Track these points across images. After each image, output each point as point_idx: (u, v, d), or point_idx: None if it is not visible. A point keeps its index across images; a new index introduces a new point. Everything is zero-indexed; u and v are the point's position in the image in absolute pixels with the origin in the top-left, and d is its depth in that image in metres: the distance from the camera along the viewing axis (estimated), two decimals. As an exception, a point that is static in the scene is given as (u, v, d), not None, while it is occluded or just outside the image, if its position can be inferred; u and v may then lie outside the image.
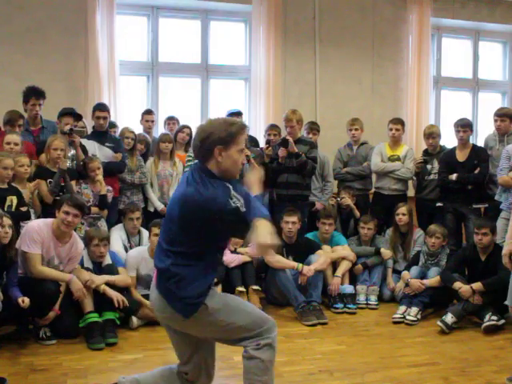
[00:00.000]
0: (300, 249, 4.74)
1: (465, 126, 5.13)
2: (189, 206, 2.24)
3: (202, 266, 2.30)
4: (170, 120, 5.82)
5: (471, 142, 5.41)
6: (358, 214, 5.31)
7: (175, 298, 2.29)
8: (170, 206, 2.40)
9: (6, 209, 3.90)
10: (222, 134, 2.26)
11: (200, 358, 2.46)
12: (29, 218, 4.08)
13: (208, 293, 2.32)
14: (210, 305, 2.31)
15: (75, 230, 4.05)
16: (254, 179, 2.50)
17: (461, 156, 5.15)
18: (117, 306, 3.89)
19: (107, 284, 3.96)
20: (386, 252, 5.01)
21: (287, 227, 4.69)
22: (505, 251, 3.26)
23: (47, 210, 4.24)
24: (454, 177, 5.05)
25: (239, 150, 2.32)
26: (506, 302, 3.21)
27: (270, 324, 2.38)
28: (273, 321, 2.42)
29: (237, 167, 2.37)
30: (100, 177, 4.57)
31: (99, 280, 3.94)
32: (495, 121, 5.17)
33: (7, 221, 3.57)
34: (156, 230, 4.26)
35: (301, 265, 4.53)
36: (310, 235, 5.01)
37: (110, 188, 4.72)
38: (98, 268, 4.13)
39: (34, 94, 4.73)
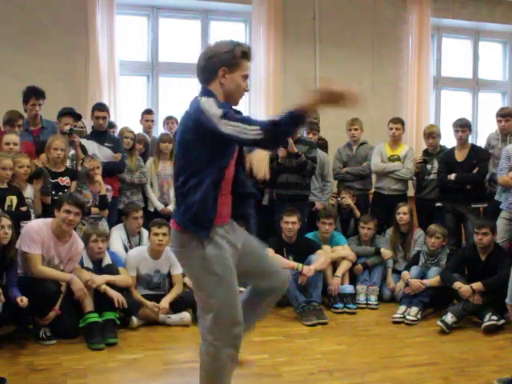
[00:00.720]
0: (300, 249, 4.73)
1: (463, 126, 5.13)
2: (189, 120, 2.18)
3: (208, 187, 2.17)
4: (169, 119, 5.83)
5: (471, 141, 5.42)
6: (358, 213, 5.31)
7: (184, 213, 2.21)
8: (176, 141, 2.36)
9: (6, 209, 3.90)
10: (229, 56, 2.23)
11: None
12: (29, 218, 4.08)
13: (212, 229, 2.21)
14: (211, 259, 2.21)
15: (75, 230, 4.05)
16: (259, 160, 2.41)
17: (460, 156, 5.15)
18: (117, 305, 3.89)
19: (108, 284, 3.96)
20: (386, 252, 5.01)
21: (287, 227, 4.68)
22: None
23: (47, 210, 4.23)
24: (452, 177, 5.05)
25: (244, 76, 2.27)
26: (506, 300, 3.22)
27: (234, 333, 2.24)
28: (239, 333, 2.27)
29: (240, 92, 2.29)
30: (99, 177, 4.57)
31: (100, 280, 3.94)
32: (499, 121, 5.16)
33: (6, 221, 3.57)
34: (156, 230, 4.27)
35: (301, 265, 4.53)
36: (310, 235, 5.01)
37: (109, 187, 4.72)
38: (99, 268, 4.13)
39: (33, 94, 4.73)
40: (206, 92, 2.26)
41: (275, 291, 2.54)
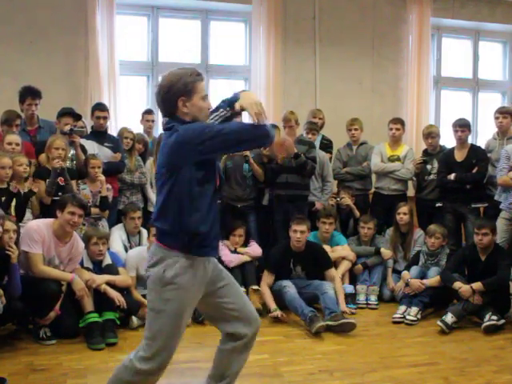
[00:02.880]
0: (308, 259, 4.56)
1: (463, 126, 5.14)
2: (172, 147, 2.21)
3: (195, 207, 2.23)
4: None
5: (470, 141, 5.42)
6: (357, 213, 5.31)
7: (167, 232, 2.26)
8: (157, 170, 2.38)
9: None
10: (181, 86, 2.25)
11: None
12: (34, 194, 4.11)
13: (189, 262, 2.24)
14: (179, 286, 2.22)
15: (75, 230, 4.04)
16: (276, 142, 2.46)
17: (459, 156, 5.15)
18: (118, 304, 3.89)
19: (108, 284, 3.96)
20: (386, 252, 5.01)
21: (296, 236, 4.49)
22: None
23: (45, 211, 4.23)
24: (452, 176, 5.05)
25: (202, 97, 2.30)
26: None
27: (157, 364, 2.26)
28: (160, 365, 2.29)
29: (204, 113, 2.33)
30: (102, 177, 4.57)
31: (100, 279, 3.94)
32: (496, 118, 5.19)
33: (12, 225, 3.55)
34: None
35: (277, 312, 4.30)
36: (310, 236, 5.00)
37: (109, 186, 4.71)
38: (99, 268, 4.13)
39: (29, 94, 4.73)
40: (175, 120, 2.29)
41: (250, 335, 2.51)
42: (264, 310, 4.38)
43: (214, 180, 2.30)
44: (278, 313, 4.25)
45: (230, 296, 2.47)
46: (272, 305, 4.34)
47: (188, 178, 2.20)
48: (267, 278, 4.52)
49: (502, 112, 5.18)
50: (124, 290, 4.10)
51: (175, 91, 2.25)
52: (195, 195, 2.22)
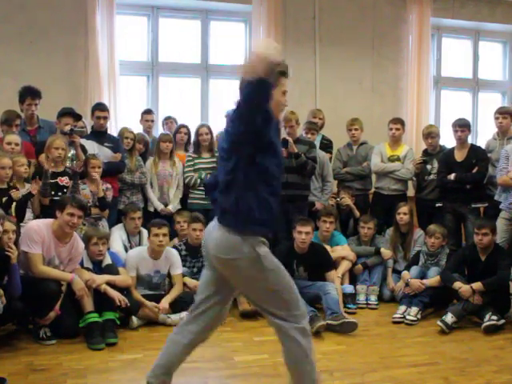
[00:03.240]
0: (311, 260, 4.54)
1: (462, 126, 5.14)
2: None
3: (262, 191, 2.33)
4: (168, 119, 5.83)
5: (470, 141, 5.42)
6: (357, 213, 5.31)
7: (240, 219, 2.33)
8: (220, 146, 2.49)
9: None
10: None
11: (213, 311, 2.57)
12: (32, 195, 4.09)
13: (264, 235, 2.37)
14: (264, 259, 2.35)
15: (75, 231, 4.04)
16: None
17: (459, 156, 5.15)
18: (118, 304, 3.89)
19: (108, 284, 3.96)
20: (386, 252, 5.01)
21: (300, 237, 4.44)
22: None
23: (46, 211, 4.22)
24: (452, 176, 5.05)
25: (283, 92, 2.40)
26: None
27: (301, 311, 2.44)
28: (305, 310, 2.49)
29: (279, 108, 2.43)
30: (97, 176, 4.56)
31: (100, 279, 3.94)
32: (496, 118, 5.19)
33: (11, 226, 3.55)
34: (156, 231, 4.25)
35: None
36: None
37: (108, 186, 4.71)
38: (99, 268, 4.13)
39: (29, 94, 4.73)
40: None
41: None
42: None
43: None
44: None
45: None
46: None
47: None
48: None
49: (502, 112, 5.18)
50: (124, 290, 4.09)
51: None
52: None
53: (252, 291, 2.49)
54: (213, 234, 2.44)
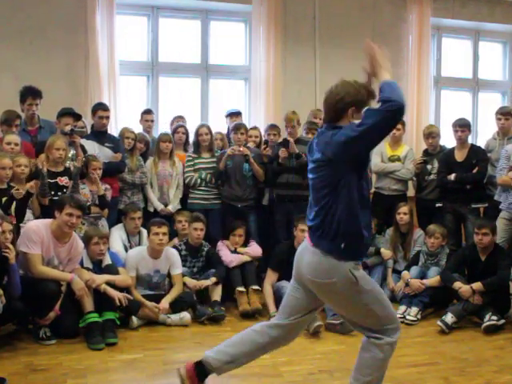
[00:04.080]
0: None
1: (463, 126, 5.13)
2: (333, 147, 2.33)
3: (352, 204, 2.37)
4: (180, 118, 5.80)
5: (470, 141, 5.42)
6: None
7: (338, 243, 2.39)
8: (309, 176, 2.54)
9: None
10: (357, 98, 2.41)
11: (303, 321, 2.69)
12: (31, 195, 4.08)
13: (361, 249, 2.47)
14: (360, 281, 2.41)
15: (74, 230, 4.04)
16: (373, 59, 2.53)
17: (459, 156, 5.15)
18: (119, 304, 3.89)
19: (107, 284, 3.96)
20: (386, 252, 5.01)
21: (302, 235, 4.37)
22: None
23: (45, 211, 4.22)
24: (452, 177, 5.05)
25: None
26: None
27: (396, 324, 2.52)
28: (399, 322, 2.56)
29: None
30: (95, 175, 4.56)
31: (100, 279, 3.93)
32: (498, 119, 5.18)
33: (8, 226, 3.55)
34: (156, 229, 4.26)
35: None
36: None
37: (107, 186, 4.71)
38: (99, 268, 4.13)
39: (30, 94, 4.72)
40: (333, 127, 2.42)
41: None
42: (264, 310, 4.38)
43: None
44: None
45: None
46: (272, 308, 4.29)
47: None
48: (271, 276, 4.51)
49: (504, 113, 5.17)
50: (124, 290, 4.09)
51: (350, 100, 2.41)
52: None
53: (348, 311, 2.57)
54: (308, 258, 2.51)
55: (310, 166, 2.53)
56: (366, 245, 2.55)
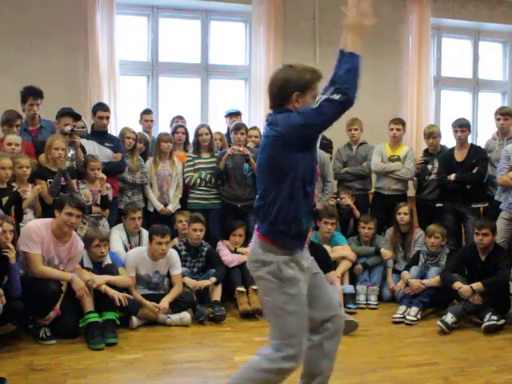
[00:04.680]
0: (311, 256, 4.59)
1: (462, 126, 5.13)
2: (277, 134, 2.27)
3: (294, 190, 2.29)
4: (179, 119, 5.80)
5: (470, 141, 5.42)
6: (357, 213, 5.31)
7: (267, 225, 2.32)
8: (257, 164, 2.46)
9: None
10: (300, 81, 2.32)
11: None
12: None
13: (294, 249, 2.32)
14: (286, 281, 2.28)
15: (75, 230, 4.04)
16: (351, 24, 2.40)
17: (459, 156, 5.15)
18: (119, 304, 3.89)
19: (108, 284, 3.95)
20: (386, 252, 5.01)
21: None
22: None
23: (47, 211, 4.22)
24: (452, 177, 5.06)
25: (314, 96, 2.38)
26: None
27: (297, 353, 2.34)
28: (300, 356, 2.38)
29: None
30: (101, 175, 4.56)
31: (100, 280, 3.93)
32: (498, 119, 5.18)
33: (9, 226, 3.55)
34: (159, 239, 4.21)
35: None
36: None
37: (108, 185, 4.71)
38: (99, 268, 4.13)
39: (31, 94, 4.72)
40: (281, 111, 2.35)
41: (331, 334, 2.49)
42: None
43: None
44: None
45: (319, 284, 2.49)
46: None
47: None
48: None
49: (503, 113, 5.16)
50: (124, 290, 4.09)
51: (293, 85, 2.31)
52: None
53: (264, 306, 2.46)
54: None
55: (261, 144, 2.46)
56: (303, 235, 2.39)
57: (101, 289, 3.90)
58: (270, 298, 2.33)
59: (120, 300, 3.88)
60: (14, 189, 4.04)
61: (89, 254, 4.13)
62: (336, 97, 2.18)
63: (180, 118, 5.82)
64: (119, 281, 4.06)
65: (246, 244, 4.84)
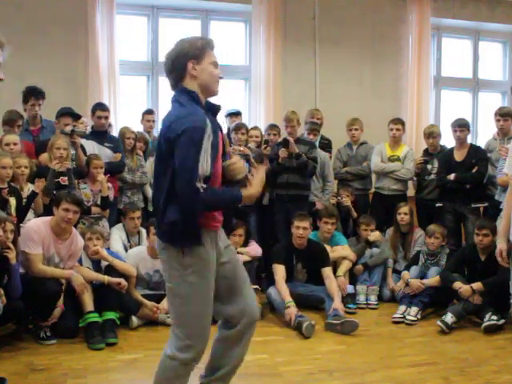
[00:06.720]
0: (310, 255, 4.58)
1: (462, 126, 5.14)
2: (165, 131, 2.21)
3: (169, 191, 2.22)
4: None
5: (470, 141, 5.42)
6: (355, 214, 5.32)
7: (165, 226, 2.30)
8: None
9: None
10: (191, 49, 2.27)
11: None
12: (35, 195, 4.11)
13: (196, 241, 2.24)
14: (187, 267, 2.23)
15: (76, 229, 4.04)
16: (256, 179, 2.46)
17: (459, 156, 5.15)
18: (120, 288, 3.95)
19: (107, 284, 3.96)
20: (374, 234, 5.04)
21: (298, 232, 4.51)
22: (497, 250, 3.31)
23: (48, 210, 4.22)
24: (452, 177, 5.06)
25: (212, 62, 2.31)
26: None
27: (200, 346, 2.30)
28: (203, 347, 2.33)
29: (214, 80, 2.34)
30: (102, 176, 4.57)
31: (105, 253, 4.05)
32: (497, 120, 5.16)
33: (10, 226, 3.56)
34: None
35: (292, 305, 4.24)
36: (310, 235, 4.99)
37: (110, 185, 4.71)
38: (98, 267, 4.13)
39: (33, 94, 4.73)
40: (182, 92, 2.28)
41: (243, 325, 2.46)
42: (264, 310, 4.37)
43: None
44: (292, 313, 4.14)
45: (230, 276, 2.45)
46: (287, 297, 4.25)
47: None
48: (279, 270, 4.46)
49: (503, 114, 5.15)
50: (123, 291, 4.09)
51: (185, 53, 2.26)
52: None
53: (168, 299, 2.42)
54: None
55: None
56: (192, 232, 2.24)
57: (109, 261, 4.03)
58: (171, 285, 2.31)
59: (121, 284, 3.94)
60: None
61: (86, 252, 4.13)
62: (201, 187, 2.13)
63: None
64: (121, 265, 4.10)
65: (245, 244, 4.84)
